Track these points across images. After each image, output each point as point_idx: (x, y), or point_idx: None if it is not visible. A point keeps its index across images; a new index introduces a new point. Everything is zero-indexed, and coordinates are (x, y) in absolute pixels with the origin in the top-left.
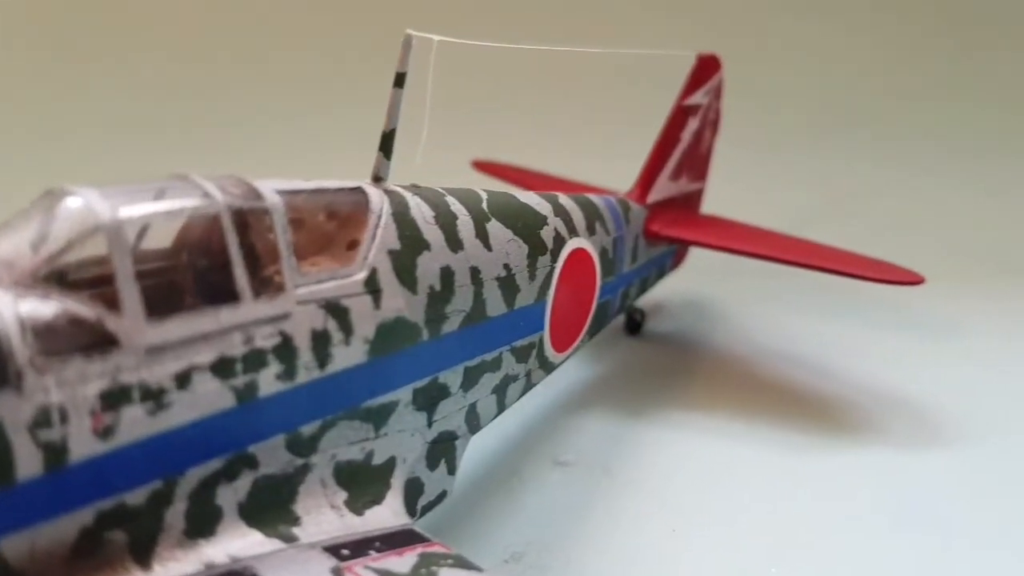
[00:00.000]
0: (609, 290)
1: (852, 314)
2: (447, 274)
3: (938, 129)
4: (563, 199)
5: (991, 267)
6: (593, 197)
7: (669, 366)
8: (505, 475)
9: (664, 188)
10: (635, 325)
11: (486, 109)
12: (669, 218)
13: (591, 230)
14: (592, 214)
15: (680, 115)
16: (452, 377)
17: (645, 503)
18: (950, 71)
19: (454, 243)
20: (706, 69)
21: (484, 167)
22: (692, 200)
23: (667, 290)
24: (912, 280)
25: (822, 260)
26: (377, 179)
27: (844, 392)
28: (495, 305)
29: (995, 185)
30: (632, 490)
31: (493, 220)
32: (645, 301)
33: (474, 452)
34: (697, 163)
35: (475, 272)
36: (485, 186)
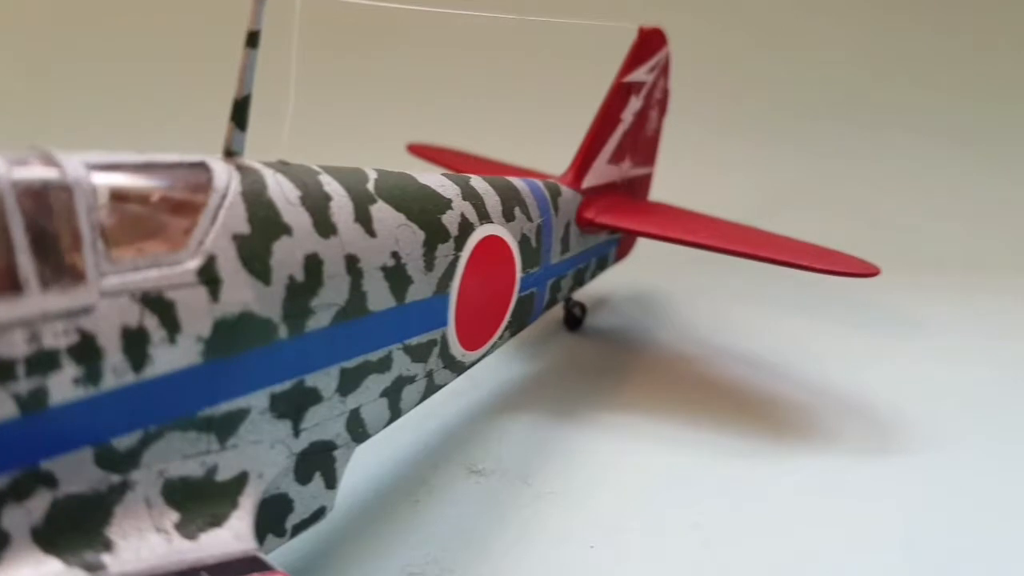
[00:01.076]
0: (533, 282)
1: (809, 309)
2: (313, 263)
3: (906, 119)
4: (476, 182)
5: (954, 261)
6: (515, 180)
7: (609, 364)
8: (412, 485)
9: (602, 172)
10: (574, 320)
11: (419, 87)
12: (606, 205)
13: (508, 216)
14: (511, 199)
15: (619, 94)
16: (323, 380)
17: (564, 516)
18: (920, 57)
19: (324, 227)
20: (650, 44)
21: (419, 151)
22: (638, 186)
23: (613, 282)
24: (867, 272)
25: (772, 251)
26: (229, 153)
27: (794, 393)
28: (380, 298)
29: (958, 177)
30: (551, 501)
31: (380, 203)
32: (587, 294)
33: (379, 460)
34: (642, 146)
35: (352, 260)
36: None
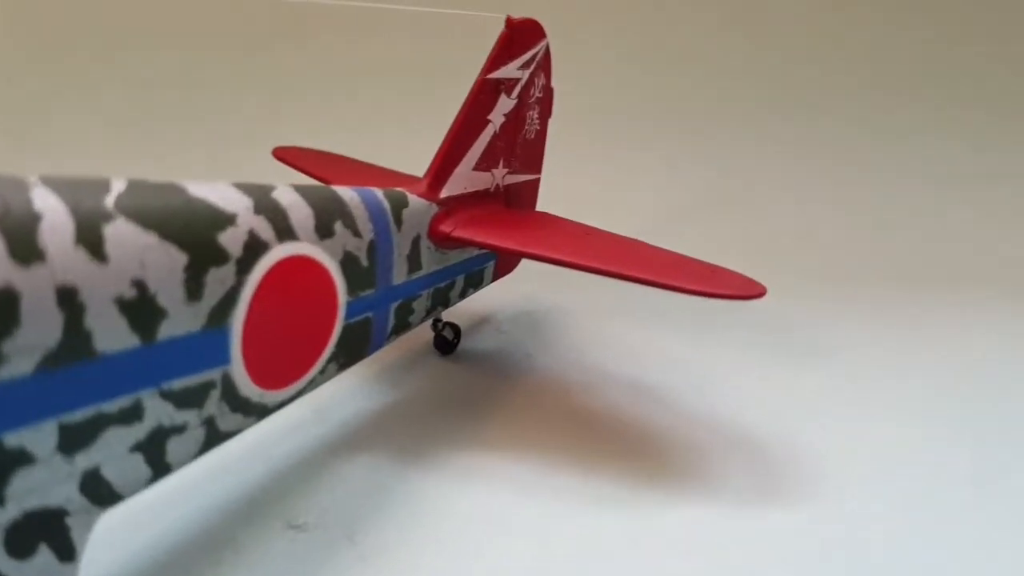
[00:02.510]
0: (367, 306)
1: (704, 329)
2: (6, 298)
3: (816, 127)
4: (282, 193)
5: (862, 275)
6: (344, 190)
7: (478, 394)
8: (217, 544)
9: (468, 180)
10: (446, 343)
11: (290, 87)
12: (469, 217)
13: (324, 232)
14: (330, 212)
15: (485, 92)
16: (33, 438)
17: None
18: (827, 61)
19: (25, 253)
20: (522, 38)
21: (286, 156)
22: (520, 194)
23: (499, 299)
24: (751, 293)
25: (645, 270)
26: None
27: (678, 428)
28: (114, 336)
29: (875, 187)
30: (378, 561)
31: (120, 220)
32: (467, 312)
33: (181, 514)
34: (522, 151)
35: (67, 293)
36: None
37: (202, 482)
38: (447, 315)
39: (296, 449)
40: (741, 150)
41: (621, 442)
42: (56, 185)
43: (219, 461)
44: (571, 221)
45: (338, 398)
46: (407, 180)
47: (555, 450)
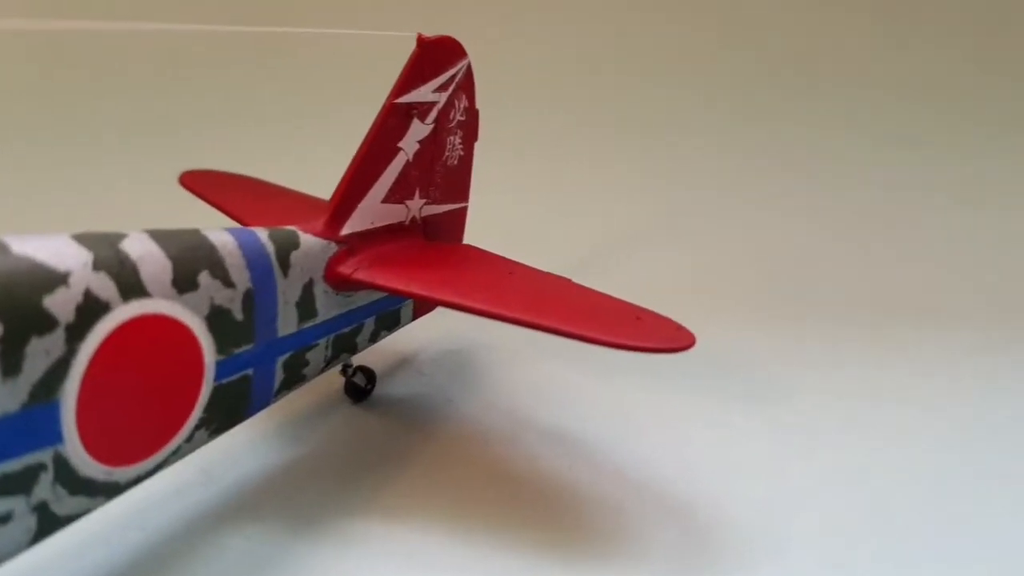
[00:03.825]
0: (244, 363)
1: (638, 370)
2: None
3: (772, 148)
4: (132, 243)
5: (818, 315)
6: (216, 234)
7: (390, 448)
8: None
9: (376, 214)
10: (357, 390)
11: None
12: (375, 255)
13: (185, 285)
14: (194, 261)
15: (393, 118)
16: None
17: None
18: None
19: None
20: (438, 57)
21: (193, 182)
22: (442, 226)
23: (421, 337)
24: (676, 346)
25: (565, 320)
26: None
27: (605, 486)
28: None
29: (828, 216)
30: None
31: None
32: (385, 353)
33: None
34: (443, 179)
35: None
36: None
37: (68, 555)
38: (362, 358)
39: (177, 516)
40: (690, 174)
41: (539, 503)
42: None
43: (89, 530)
44: (496, 256)
45: (232, 455)
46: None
47: (468, 516)
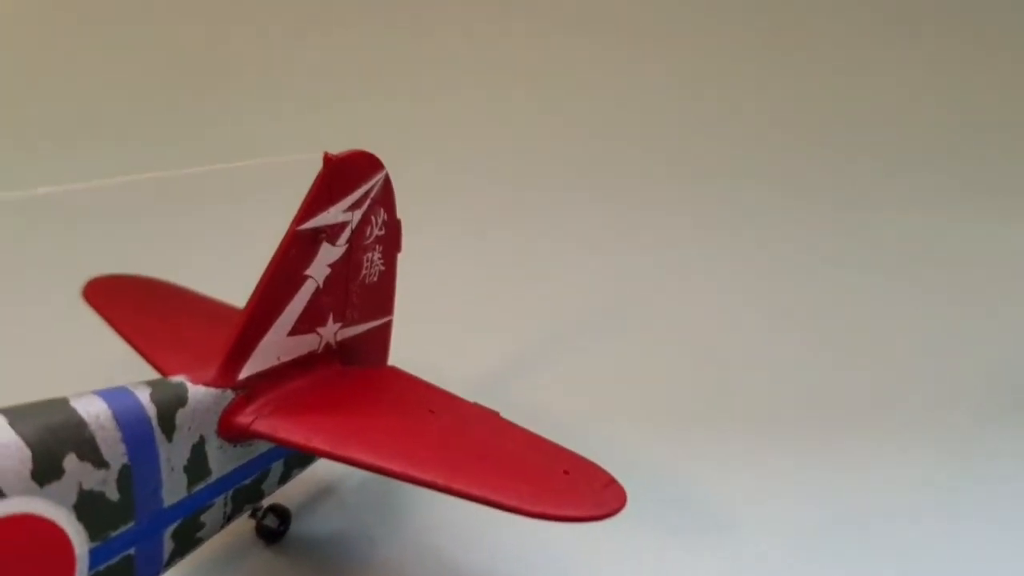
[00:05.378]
0: (125, 544)
1: None
2: None
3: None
4: None
5: (777, 418)
6: (86, 403)
7: None
8: None
9: (280, 349)
10: (269, 532)
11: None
12: (280, 397)
13: (47, 475)
14: (57, 444)
15: (297, 246)
16: None
17: None
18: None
19: None
20: (349, 175)
21: (95, 295)
22: (361, 347)
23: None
24: (605, 512)
25: (484, 482)
26: None
27: None
28: None
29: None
30: None
31: None
32: (308, 482)
33: None
34: (359, 298)
35: None
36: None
37: None
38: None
39: None
40: (636, 246)
41: None
42: None
43: None
44: (419, 384)
45: None
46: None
47: None
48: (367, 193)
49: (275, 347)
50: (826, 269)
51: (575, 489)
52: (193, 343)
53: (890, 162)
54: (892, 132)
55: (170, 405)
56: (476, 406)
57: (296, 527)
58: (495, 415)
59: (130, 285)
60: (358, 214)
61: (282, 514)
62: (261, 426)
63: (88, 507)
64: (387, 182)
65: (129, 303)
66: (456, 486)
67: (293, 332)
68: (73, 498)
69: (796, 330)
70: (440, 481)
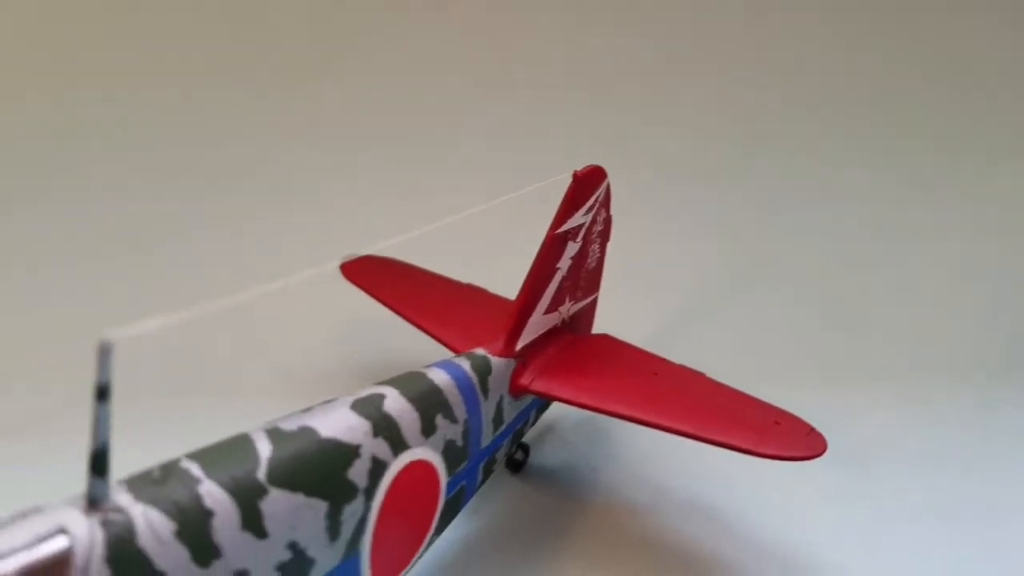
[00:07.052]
0: (462, 477)
1: None
2: None
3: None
4: (393, 402)
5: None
6: (438, 375)
7: (546, 523)
8: None
9: (539, 325)
10: (515, 464)
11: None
12: (543, 362)
13: (429, 430)
14: (432, 407)
15: (554, 246)
16: None
17: None
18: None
19: (205, 554)
20: (588, 186)
21: (355, 272)
22: (581, 319)
23: (556, 407)
24: (808, 454)
25: (719, 429)
26: (93, 503)
27: (739, 557)
28: None
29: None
30: None
31: (273, 491)
32: (533, 428)
33: None
34: (584, 280)
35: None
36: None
37: None
38: None
39: None
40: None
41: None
42: (216, 471)
43: None
44: (634, 351)
45: None
46: (496, 303)
47: None
48: (597, 199)
49: (537, 324)
50: None
51: (789, 435)
52: (459, 318)
53: None
54: None
55: (483, 373)
56: (685, 368)
57: (531, 461)
58: (703, 375)
59: (382, 265)
60: (590, 216)
61: (526, 449)
62: (538, 386)
63: (448, 452)
64: (608, 187)
65: (386, 280)
66: (704, 434)
67: (547, 311)
68: (441, 446)
69: None
70: (690, 430)
